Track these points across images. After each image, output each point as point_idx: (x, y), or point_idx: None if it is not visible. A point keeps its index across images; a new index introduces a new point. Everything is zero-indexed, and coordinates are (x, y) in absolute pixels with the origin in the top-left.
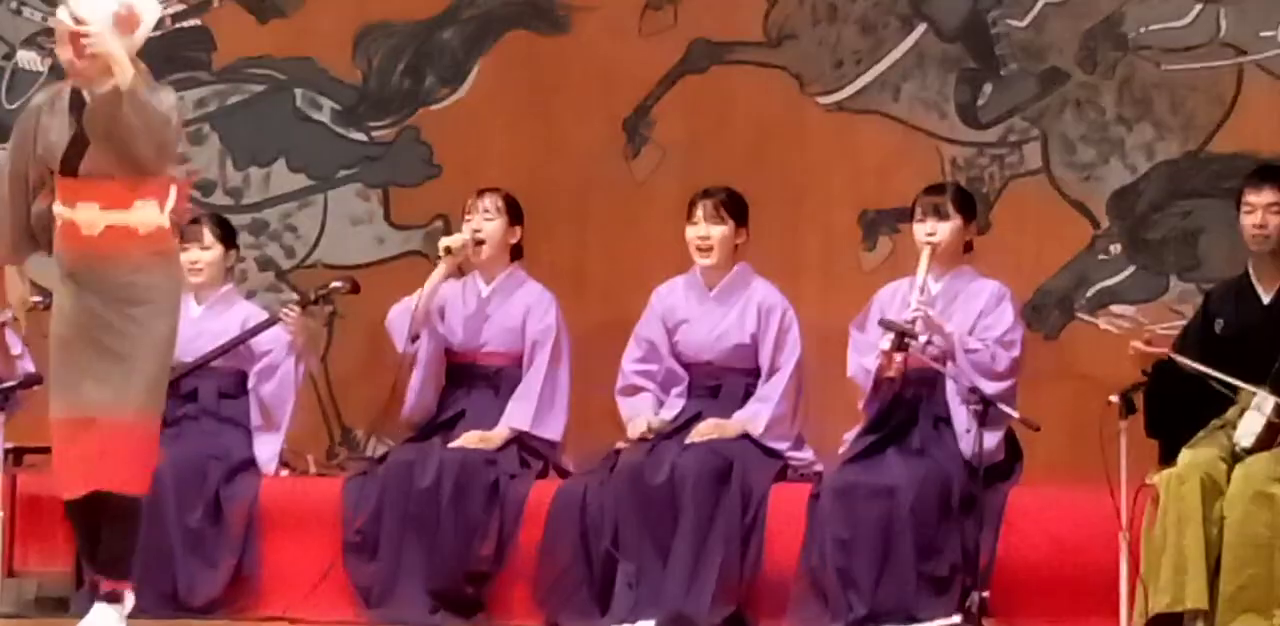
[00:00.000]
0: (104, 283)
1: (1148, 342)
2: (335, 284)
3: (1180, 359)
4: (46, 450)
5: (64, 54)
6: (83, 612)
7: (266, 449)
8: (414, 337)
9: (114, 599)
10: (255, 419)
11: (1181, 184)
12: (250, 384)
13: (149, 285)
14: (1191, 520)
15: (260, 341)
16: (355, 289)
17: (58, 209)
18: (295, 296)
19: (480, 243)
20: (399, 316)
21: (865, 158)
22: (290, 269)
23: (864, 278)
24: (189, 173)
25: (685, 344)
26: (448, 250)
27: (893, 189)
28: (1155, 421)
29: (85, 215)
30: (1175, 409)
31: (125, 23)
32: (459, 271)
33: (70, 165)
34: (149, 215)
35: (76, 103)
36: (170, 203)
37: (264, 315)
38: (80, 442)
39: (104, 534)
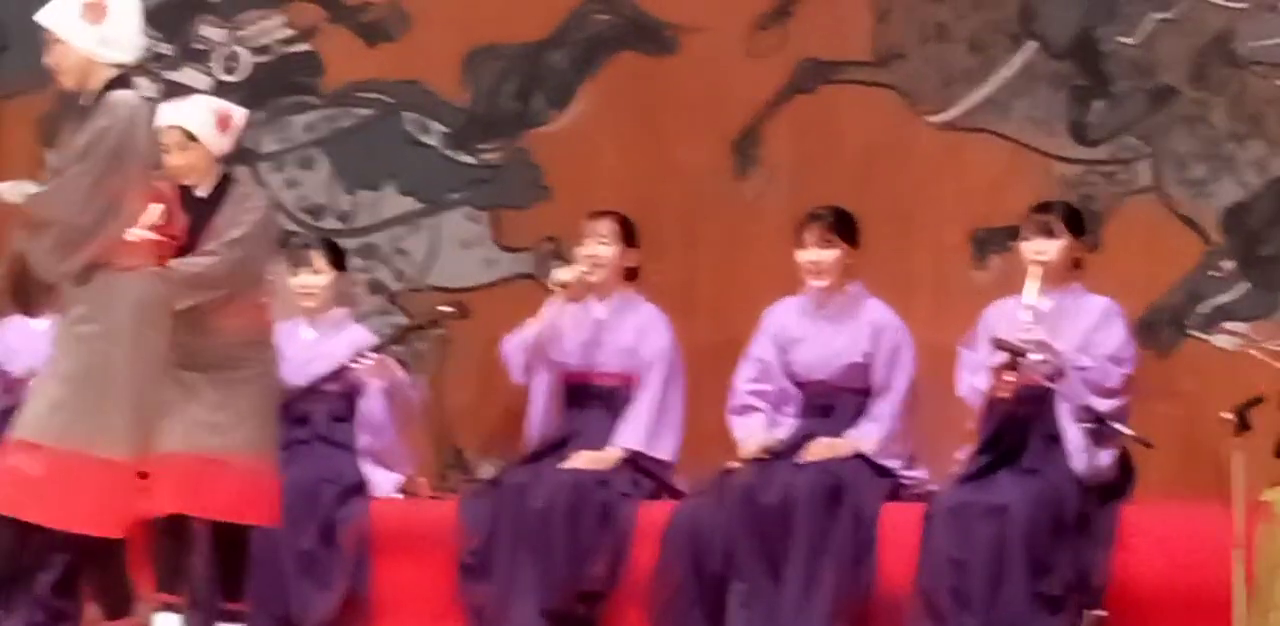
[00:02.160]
0: None
1: None
2: (443, 308)
3: None
4: None
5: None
6: None
7: (385, 479)
8: (529, 369)
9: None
10: (364, 448)
11: None
12: (358, 419)
13: None
14: None
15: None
16: (464, 313)
17: None
18: (405, 321)
19: (598, 268)
20: (515, 348)
21: (975, 176)
22: (400, 292)
23: (975, 296)
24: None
25: (798, 363)
26: (563, 284)
27: (1003, 207)
28: None
29: None
30: None
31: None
32: (574, 296)
33: None
34: None
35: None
36: None
37: (374, 339)
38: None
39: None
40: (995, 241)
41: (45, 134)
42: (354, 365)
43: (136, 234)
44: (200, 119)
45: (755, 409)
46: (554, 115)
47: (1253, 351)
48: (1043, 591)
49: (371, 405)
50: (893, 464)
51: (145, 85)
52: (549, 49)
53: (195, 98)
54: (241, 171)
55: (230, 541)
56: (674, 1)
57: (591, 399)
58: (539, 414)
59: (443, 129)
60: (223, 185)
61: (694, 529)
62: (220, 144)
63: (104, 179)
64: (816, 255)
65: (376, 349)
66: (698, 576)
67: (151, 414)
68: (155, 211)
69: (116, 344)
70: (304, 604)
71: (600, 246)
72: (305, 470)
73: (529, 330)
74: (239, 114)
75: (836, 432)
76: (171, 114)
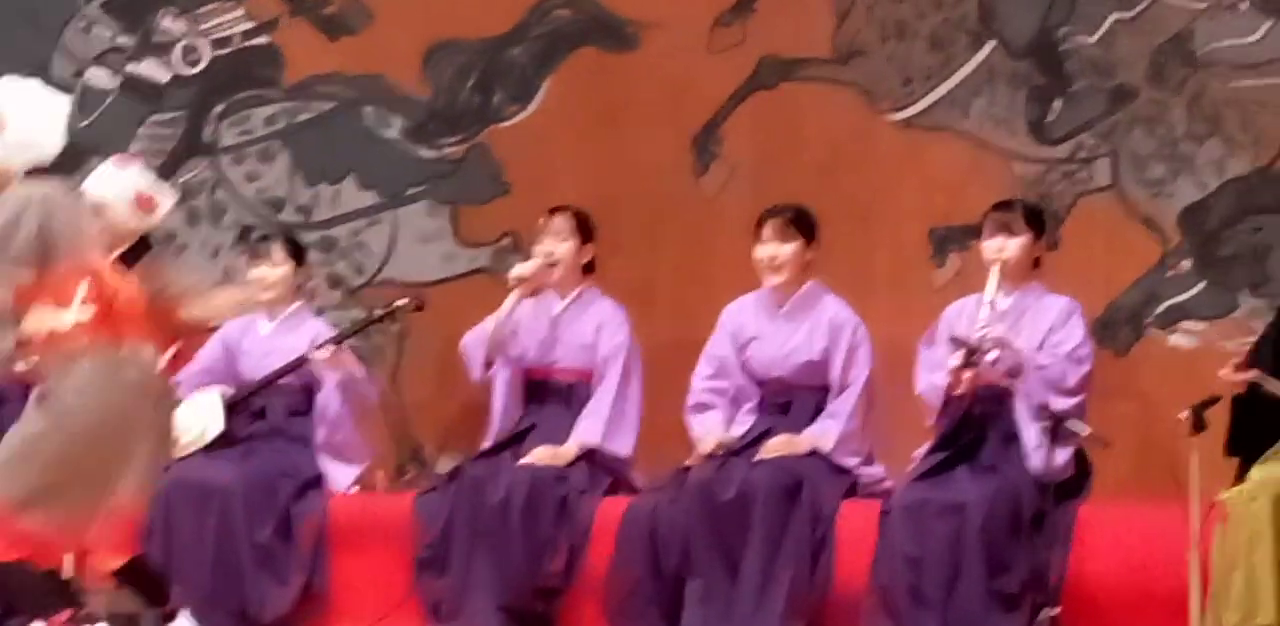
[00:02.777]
0: None
1: (1236, 369)
2: (399, 302)
3: (1269, 384)
4: None
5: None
6: None
7: (342, 473)
8: (488, 365)
9: None
10: (321, 442)
11: (1252, 200)
12: (315, 414)
13: None
14: (1263, 537)
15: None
16: (420, 307)
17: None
18: (362, 314)
19: (553, 265)
20: (473, 343)
21: (935, 174)
22: (360, 286)
23: (934, 294)
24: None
25: (756, 361)
26: (520, 279)
27: (962, 205)
28: (1237, 441)
29: None
30: (1256, 428)
31: (144, 204)
32: (532, 291)
33: None
34: None
35: None
36: None
37: (333, 332)
38: None
39: None
40: (954, 239)
41: None
42: (311, 357)
43: (69, 319)
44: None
45: (713, 406)
46: (514, 110)
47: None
48: (999, 589)
49: (328, 398)
50: (850, 461)
51: (106, 77)
52: (510, 44)
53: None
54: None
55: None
56: None
57: (550, 394)
58: (500, 410)
59: (403, 123)
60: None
61: (651, 525)
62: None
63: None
64: (774, 250)
65: (336, 341)
66: (654, 572)
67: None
68: (84, 288)
69: (59, 421)
70: (261, 598)
71: (557, 242)
72: (263, 464)
73: (487, 325)
74: (164, 197)
75: (794, 430)
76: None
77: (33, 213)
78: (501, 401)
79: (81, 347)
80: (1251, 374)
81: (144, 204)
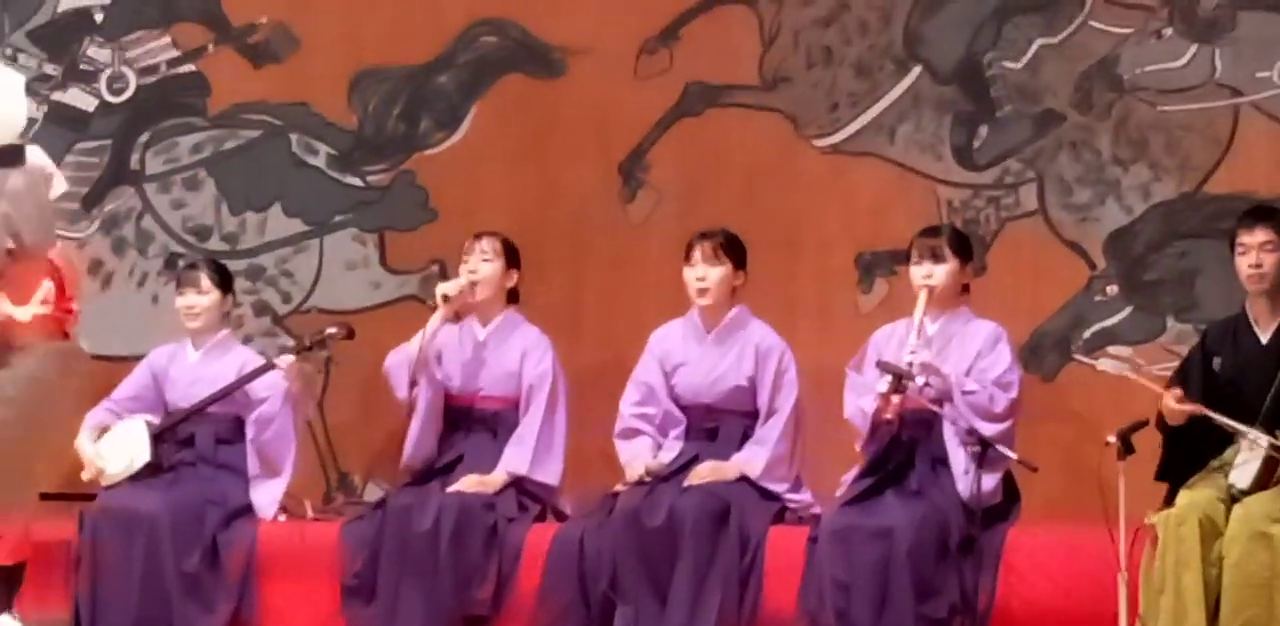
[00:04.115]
0: None
1: (1179, 400)
2: (330, 330)
3: (1215, 416)
4: (53, 496)
5: None
6: None
7: (267, 495)
8: (413, 384)
9: None
10: (253, 468)
11: (1178, 225)
12: (249, 434)
13: None
14: (1190, 561)
15: (255, 389)
16: (350, 335)
17: None
18: (291, 342)
19: (475, 284)
20: (397, 364)
21: (861, 200)
22: (286, 314)
23: (860, 319)
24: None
25: (683, 387)
26: (445, 297)
27: (889, 231)
28: (1168, 468)
29: None
30: (1187, 455)
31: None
32: (456, 316)
33: None
34: None
35: None
36: None
37: (260, 361)
38: None
39: None
40: (880, 265)
41: None
42: (277, 364)
43: (29, 312)
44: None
45: (641, 432)
46: (441, 137)
47: (1131, 376)
48: (927, 614)
49: (273, 407)
50: (778, 487)
51: (32, 105)
52: (436, 71)
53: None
54: None
55: None
56: (562, 24)
57: (475, 422)
58: (416, 432)
59: (329, 151)
60: None
61: (579, 551)
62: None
63: None
64: (704, 271)
65: (296, 351)
66: (583, 599)
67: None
68: (47, 288)
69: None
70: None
71: (483, 262)
72: (190, 492)
73: (411, 345)
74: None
75: (722, 456)
76: None
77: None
78: (420, 421)
79: (33, 340)
80: (1195, 407)
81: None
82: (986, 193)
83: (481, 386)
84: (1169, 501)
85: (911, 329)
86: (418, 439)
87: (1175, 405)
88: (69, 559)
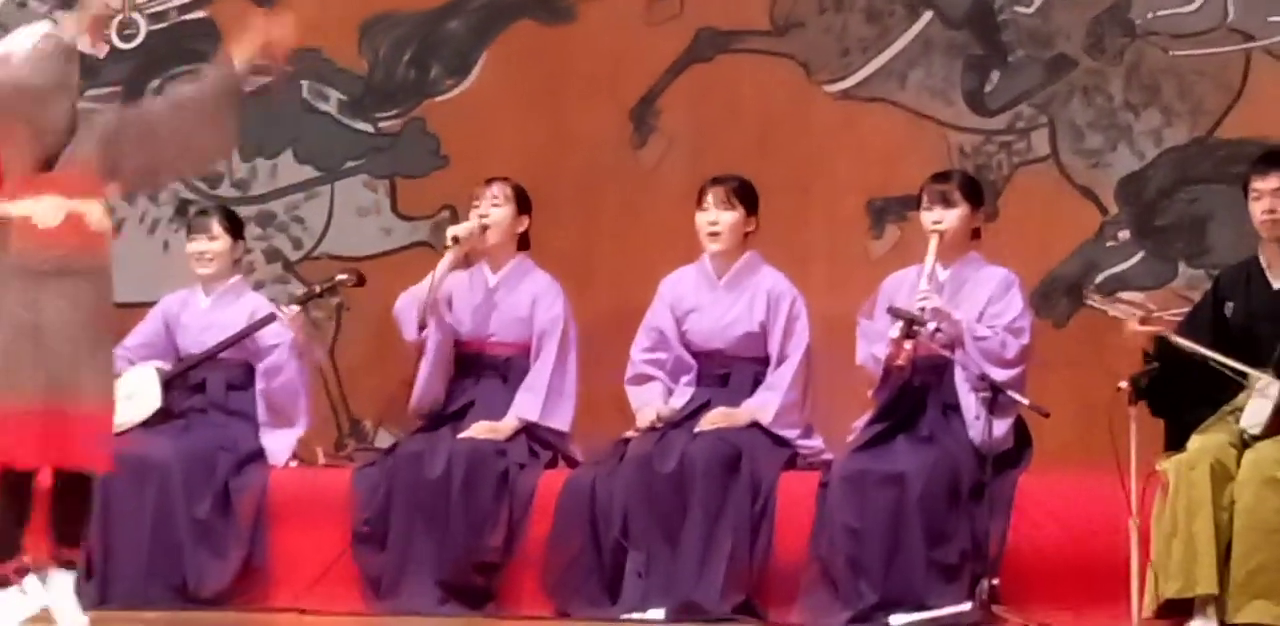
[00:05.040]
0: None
1: (1143, 322)
2: (340, 277)
3: (1177, 339)
4: None
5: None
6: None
7: (279, 442)
8: (421, 326)
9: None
10: (263, 416)
11: (1190, 170)
12: (258, 384)
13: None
14: (1202, 506)
15: (264, 337)
16: (361, 281)
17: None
18: (302, 289)
19: (487, 228)
20: (406, 305)
21: (872, 146)
22: (298, 260)
23: (871, 266)
24: None
25: (694, 332)
26: (455, 239)
27: (900, 177)
28: (1159, 402)
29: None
30: (1180, 391)
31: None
32: (466, 261)
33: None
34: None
35: None
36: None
37: (271, 307)
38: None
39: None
40: (892, 211)
41: None
42: (276, 316)
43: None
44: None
45: (652, 378)
46: (452, 84)
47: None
48: (938, 559)
49: (279, 359)
50: (790, 433)
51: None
52: (447, 17)
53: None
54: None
55: (73, 489)
56: None
57: (486, 368)
58: (425, 375)
59: (340, 97)
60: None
61: (590, 498)
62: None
63: None
64: (716, 216)
65: (301, 301)
66: (594, 545)
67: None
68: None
69: None
70: (200, 573)
71: (494, 207)
72: (201, 439)
73: (421, 287)
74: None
75: (733, 402)
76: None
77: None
78: (429, 364)
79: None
80: (1157, 328)
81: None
82: (998, 138)
83: (492, 332)
84: (1170, 445)
85: (923, 275)
86: (426, 382)
87: (1138, 328)
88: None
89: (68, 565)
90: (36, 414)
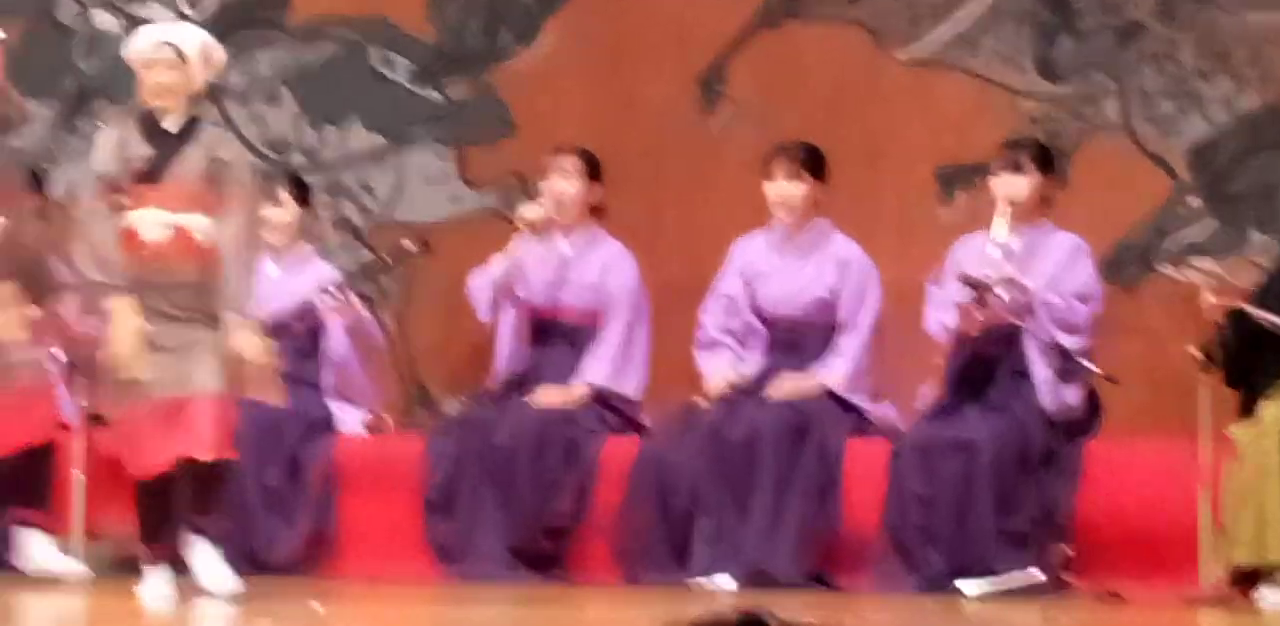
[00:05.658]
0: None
1: (1218, 293)
2: (406, 244)
3: (1251, 310)
4: None
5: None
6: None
7: (348, 414)
8: (495, 305)
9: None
10: (329, 391)
11: (1261, 137)
12: (324, 355)
13: None
14: (1272, 473)
15: (323, 312)
16: (427, 248)
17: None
18: (369, 256)
19: (562, 202)
20: (480, 286)
21: (942, 113)
22: (366, 228)
23: (941, 233)
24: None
25: (764, 298)
26: (526, 222)
27: (970, 144)
28: (1234, 372)
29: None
30: (1253, 359)
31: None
32: (537, 231)
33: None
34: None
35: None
36: None
37: (338, 275)
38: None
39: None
40: (962, 178)
41: None
42: (318, 301)
43: None
44: (192, 43)
45: (722, 345)
46: (520, 51)
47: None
48: (1008, 527)
49: (334, 341)
50: (859, 400)
51: (111, 20)
52: None
53: (185, 24)
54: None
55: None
56: None
57: (556, 336)
58: (505, 351)
59: (409, 65)
60: (192, 123)
61: (660, 465)
62: (202, 74)
63: None
64: (784, 187)
65: (341, 286)
66: (663, 512)
67: None
68: None
69: None
70: (269, 540)
71: (564, 181)
72: (270, 407)
73: (494, 267)
74: (220, 53)
75: (803, 368)
76: (163, 32)
77: None
78: (506, 342)
79: None
80: (1231, 302)
81: (207, 53)
82: (1069, 105)
83: (564, 299)
84: (1244, 409)
85: (993, 242)
86: (507, 359)
87: (1213, 300)
88: None
89: (204, 532)
90: (158, 419)
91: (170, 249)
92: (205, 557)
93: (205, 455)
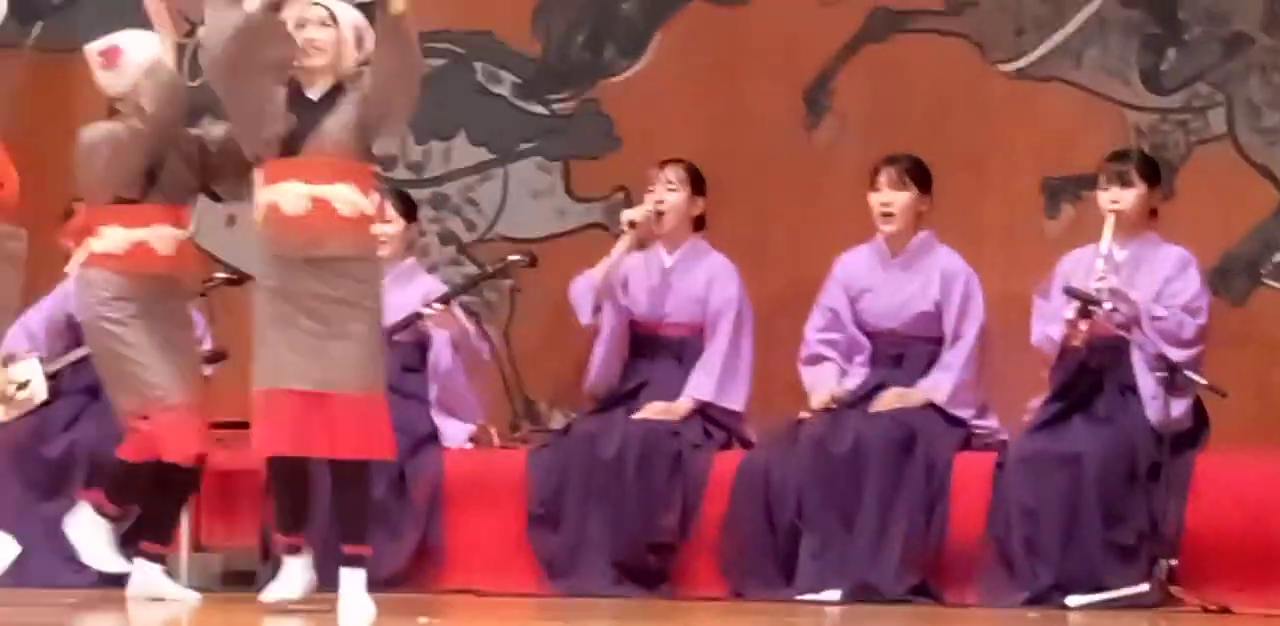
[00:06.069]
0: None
1: None
2: (513, 257)
3: None
4: (235, 425)
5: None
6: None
7: (454, 428)
8: (597, 309)
9: (358, 562)
10: (435, 399)
11: None
12: (430, 369)
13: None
14: None
15: (428, 326)
16: (533, 262)
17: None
18: (475, 270)
19: (662, 213)
20: (583, 289)
21: (1047, 125)
22: (471, 242)
23: (1046, 245)
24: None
25: (868, 312)
26: (631, 223)
27: (1075, 156)
28: None
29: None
30: None
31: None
32: (642, 243)
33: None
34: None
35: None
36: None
37: (444, 289)
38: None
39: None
40: (1067, 190)
41: None
42: (422, 314)
43: None
44: (346, 14)
45: (826, 358)
46: (625, 65)
47: None
48: (1116, 540)
49: (439, 355)
50: (964, 413)
51: None
52: None
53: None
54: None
55: (347, 481)
56: None
57: (660, 349)
58: (600, 357)
59: (514, 79)
60: (335, 91)
61: (765, 479)
62: (352, 51)
63: None
64: (889, 197)
65: (446, 299)
66: (769, 527)
67: None
68: None
69: None
70: (376, 554)
71: (668, 192)
72: None
73: (597, 271)
74: (372, 37)
75: (908, 382)
76: None
77: None
78: (604, 347)
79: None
80: None
81: (360, 31)
82: (1175, 117)
83: (667, 313)
84: None
85: (1099, 254)
86: (602, 364)
87: None
88: (256, 488)
89: (352, 561)
90: (299, 403)
91: (313, 222)
92: (353, 587)
93: (364, 456)
